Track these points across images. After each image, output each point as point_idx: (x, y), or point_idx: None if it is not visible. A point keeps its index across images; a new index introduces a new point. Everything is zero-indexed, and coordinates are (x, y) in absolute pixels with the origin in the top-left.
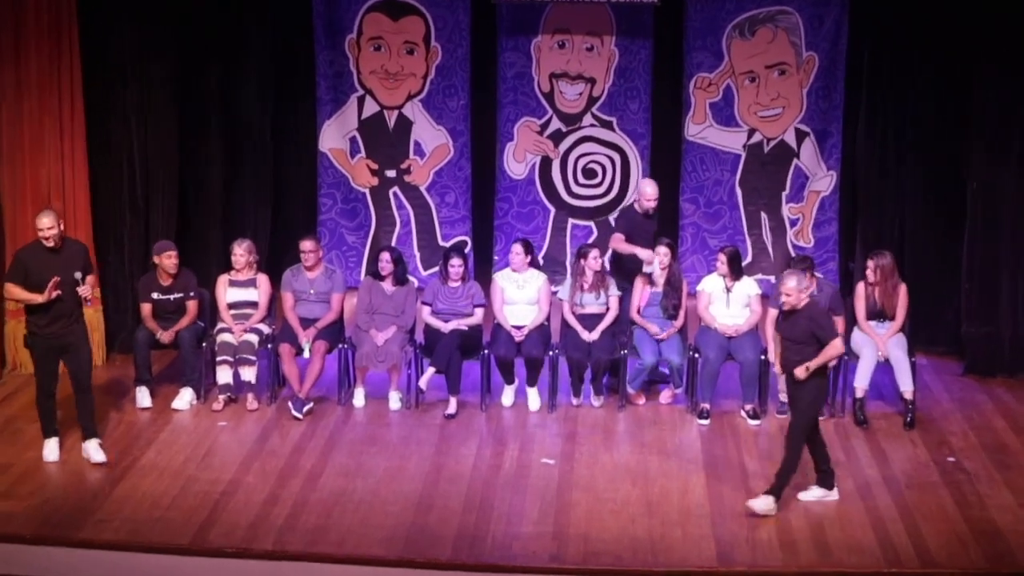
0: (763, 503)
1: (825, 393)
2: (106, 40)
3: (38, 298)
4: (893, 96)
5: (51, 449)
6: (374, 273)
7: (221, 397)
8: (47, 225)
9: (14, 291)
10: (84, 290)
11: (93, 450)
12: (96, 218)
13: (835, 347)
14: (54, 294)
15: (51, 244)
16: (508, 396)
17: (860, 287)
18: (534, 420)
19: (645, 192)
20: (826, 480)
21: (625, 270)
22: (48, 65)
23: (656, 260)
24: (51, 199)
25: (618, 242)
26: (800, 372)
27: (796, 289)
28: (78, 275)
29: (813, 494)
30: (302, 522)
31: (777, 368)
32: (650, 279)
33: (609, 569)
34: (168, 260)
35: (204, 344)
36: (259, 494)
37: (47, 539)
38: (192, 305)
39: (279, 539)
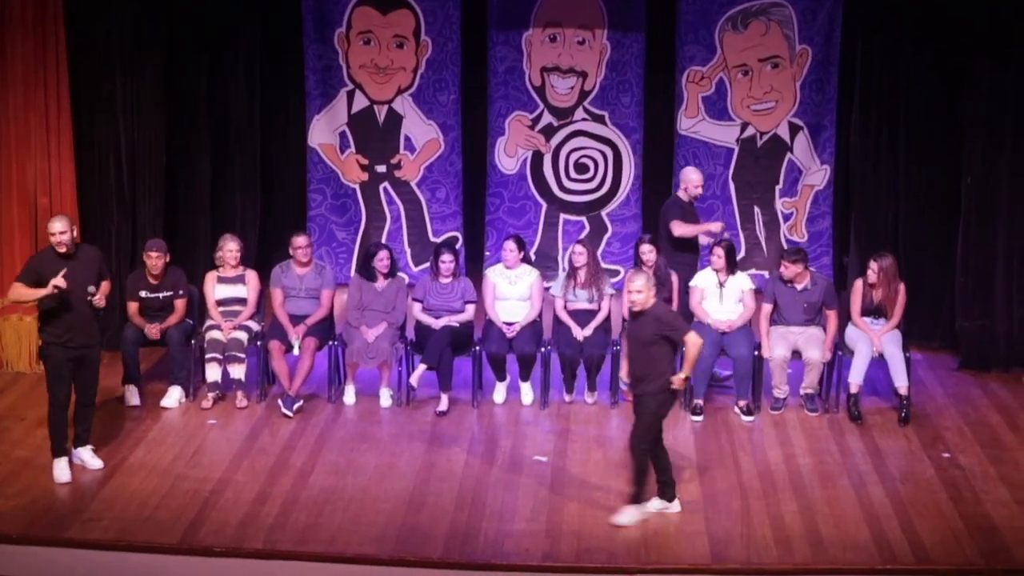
0: (628, 515)
1: (671, 403)
2: (92, 34)
3: (40, 292)
4: (887, 90)
5: (62, 470)
6: (368, 275)
7: (210, 395)
8: (59, 230)
9: (19, 289)
10: (98, 300)
11: (88, 457)
12: (83, 215)
13: (694, 343)
14: (59, 286)
15: (63, 249)
16: (500, 393)
17: (858, 284)
18: (526, 417)
19: (692, 179)
20: (666, 491)
21: (687, 248)
22: (33, 60)
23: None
24: (37, 196)
25: (680, 227)
26: (678, 384)
27: (646, 287)
28: (92, 288)
29: (654, 506)
30: (292, 520)
31: (623, 373)
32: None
33: (603, 567)
34: (150, 260)
35: (193, 342)
36: (249, 492)
37: (34, 538)
38: (180, 304)
39: (269, 538)
